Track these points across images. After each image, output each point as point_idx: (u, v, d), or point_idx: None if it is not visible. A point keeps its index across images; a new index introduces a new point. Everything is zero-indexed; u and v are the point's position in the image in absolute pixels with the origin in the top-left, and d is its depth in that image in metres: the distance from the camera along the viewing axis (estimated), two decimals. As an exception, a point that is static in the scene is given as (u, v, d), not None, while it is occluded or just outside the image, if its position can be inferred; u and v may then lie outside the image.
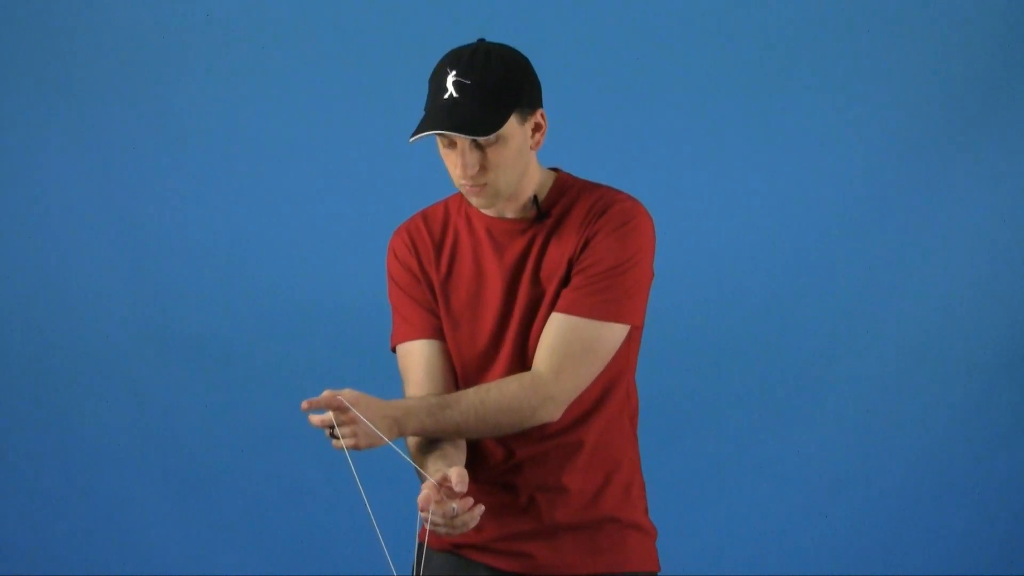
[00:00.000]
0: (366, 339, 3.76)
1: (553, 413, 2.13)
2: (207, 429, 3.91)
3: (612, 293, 2.12)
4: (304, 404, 1.97)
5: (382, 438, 2.00)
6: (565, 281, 2.15)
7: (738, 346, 3.90)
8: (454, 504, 1.95)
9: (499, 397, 2.10)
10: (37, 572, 3.86)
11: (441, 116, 2.06)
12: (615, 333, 2.14)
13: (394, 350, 2.28)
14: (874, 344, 3.89)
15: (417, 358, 2.23)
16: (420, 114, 2.12)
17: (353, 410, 1.97)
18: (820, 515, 3.90)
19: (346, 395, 1.98)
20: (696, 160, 3.86)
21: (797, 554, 3.88)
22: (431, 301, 2.24)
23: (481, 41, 2.14)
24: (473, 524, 1.98)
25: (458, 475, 1.94)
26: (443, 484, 1.96)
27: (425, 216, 2.29)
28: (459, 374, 2.23)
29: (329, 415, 1.98)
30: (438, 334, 2.23)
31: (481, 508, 1.98)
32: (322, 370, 3.87)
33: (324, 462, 3.90)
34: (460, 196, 2.26)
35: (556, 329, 2.13)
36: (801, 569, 3.84)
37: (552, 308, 2.15)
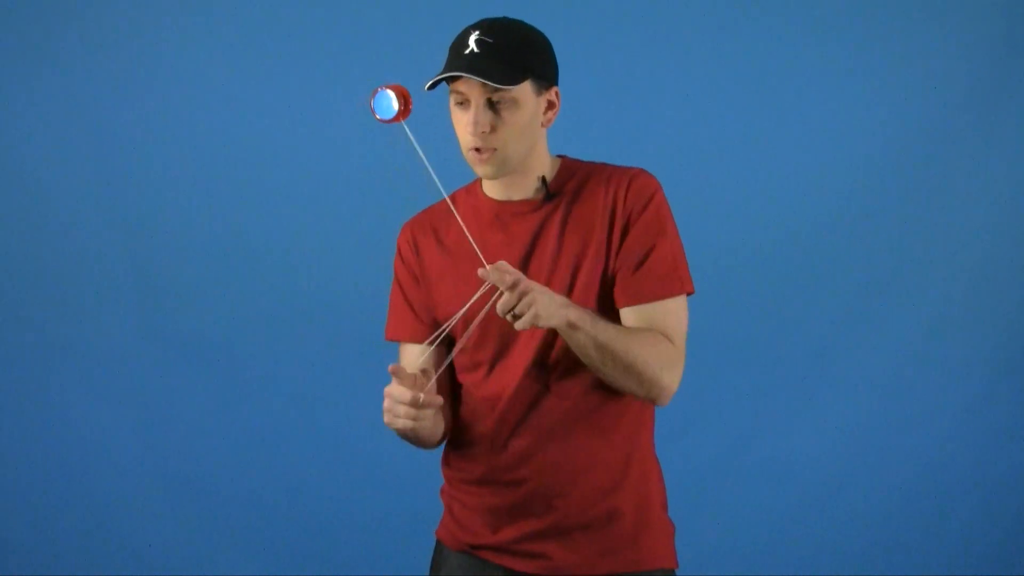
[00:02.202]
0: (367, 340, 3.76)
1: (671, 383, 2.17)
2: (207, 429, 3.91)
3: (668, 267, 2.17)
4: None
5: (558, 317, 2.01)
6: (604, 268, 2.16)
7: (738, 346, 3.89)
8: (421, 394, 2.04)
9: (648, 339, 2.12)
10: (37, 572, 3.86)
11: (460, 65, 2.09)
12: (684, 304, 2.20)
13: (387, 340, 2.33)
14: (874, 344, 3.89)
15: (411, 360, 2.27)
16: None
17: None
18: (820, 515, 3.90)
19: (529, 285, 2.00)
20: (695, 160, 3.85)
21: (797, 554, 3.88)
22: (426, 306, 2.26)
23: (505, 16, 2.17)
24: (427, 420, 2.08)
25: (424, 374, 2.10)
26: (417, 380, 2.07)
27: (432, 210, 2.31)
28: (478, 343, 2.22)
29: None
30: (428, 337, 2.25)
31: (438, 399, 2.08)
32: (322, 370, 3.87)
33: (324, 462, 3.90)
34: (467, 189, 2.27)
35: (650, 320, 2.15)
36: (801, 569, 3.84)
37: (586, 282, 2.15)
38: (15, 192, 3.89)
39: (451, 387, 2.29)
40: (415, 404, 2.03)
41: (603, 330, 2.08)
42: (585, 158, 2.28)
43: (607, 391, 2.17)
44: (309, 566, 3.88)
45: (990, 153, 3.84)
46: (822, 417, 3.90)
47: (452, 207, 2.19)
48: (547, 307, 1.99)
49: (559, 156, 2.26)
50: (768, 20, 3.85)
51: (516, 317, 1.98)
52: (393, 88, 2.05)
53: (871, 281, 3.88)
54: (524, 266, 2.17)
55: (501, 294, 1.99)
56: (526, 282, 1.98)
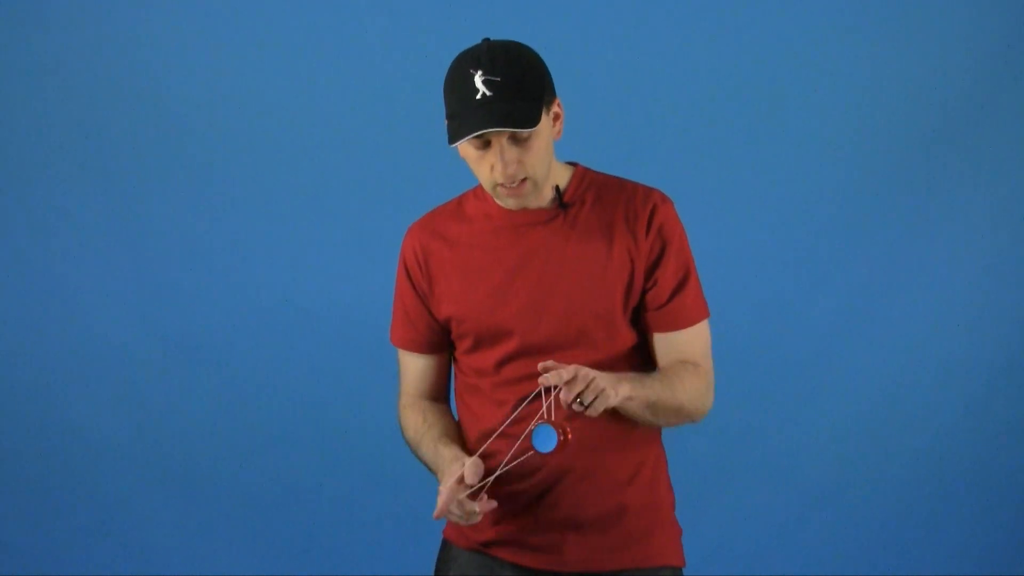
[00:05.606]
0: (365, 341, 3.76)
1: (708, 406, 2.22)
2: (207, 429, 3.90)
3: (694, 293, 2.22)
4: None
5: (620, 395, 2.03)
6: (630, 277, 2.17)
7: (738, 346, 3.89)
8: (476, 507, 2.06)
9: (687, 377, 2.16)
10: (37, 572, 3.86)
11: (482, 115, 2.04)
12: (707, 324, 2.24)
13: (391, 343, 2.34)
14: (874, 344, 3.89)
15: (408, 366, 2.31)
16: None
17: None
18: (820, 515, 3.90)
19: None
20: (695, 161, 3.85)
21: (797, 554, 3.88)
22: (427, 318, 2.26)
23: (488, 40, 2.12)
24: (477, 518, 2.09)
25: (472, 466, 2.06)
26: (459, 483, 2.06)
27: (439, 211, 2.28)
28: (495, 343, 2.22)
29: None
30: (428, 348, 2.28)
31: (492, 504, 2.09)
32: (321, 371, 3.87)
33: (324, 462, 3.90)
34: (474, 193, 2.26)
35: (681, 345, 2.19)
36: (801, 569, 3.84)
37: (611, 287, 2.16)
38: (14, 191, 3.89)
39: (445, 389, 2.33)
40: (471, 514, 2.08)
41: (651, 389, 2.10)
42: (584, 160, 2.28)
43: None
44: (308, 566, 3.88)
45: (990, 153, 3.83)
46: (822, 417, 3.90)
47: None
48: (613, 386, 2.00)
49: (570, 163, 2.26)
50: (767, 20, 3.84)
51: (583, 405, 1.97)
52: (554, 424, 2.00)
53: (871, 281, 3.88)
54: (543, 275, 2.17)
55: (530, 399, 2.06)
56: (584, 370, 1.97)
